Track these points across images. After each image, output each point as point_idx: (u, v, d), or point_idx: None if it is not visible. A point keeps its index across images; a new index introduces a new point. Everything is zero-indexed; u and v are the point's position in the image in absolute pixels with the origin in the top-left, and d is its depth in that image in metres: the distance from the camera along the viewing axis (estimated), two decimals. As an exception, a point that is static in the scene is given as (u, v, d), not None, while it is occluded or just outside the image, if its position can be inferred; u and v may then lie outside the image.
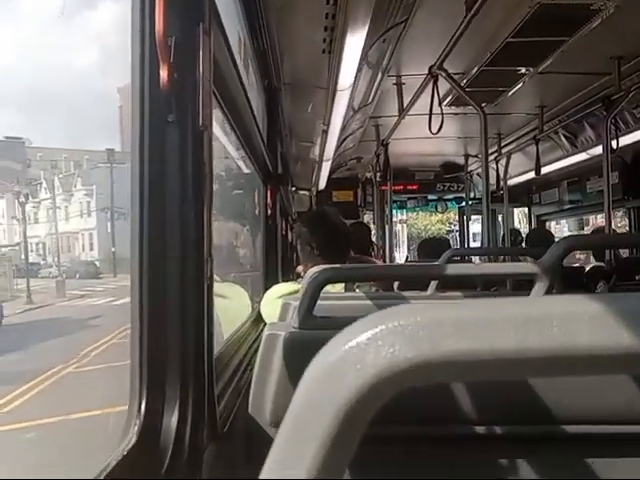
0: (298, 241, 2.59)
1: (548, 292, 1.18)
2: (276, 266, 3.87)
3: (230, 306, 2.86)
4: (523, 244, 6.28)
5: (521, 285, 2.19)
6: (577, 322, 0.29)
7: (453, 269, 1.30)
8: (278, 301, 2.19)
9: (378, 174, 6.40)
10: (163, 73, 0.87)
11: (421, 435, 0.97)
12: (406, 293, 1.78)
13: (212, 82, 1.21)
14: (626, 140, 4.27)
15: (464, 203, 7.83)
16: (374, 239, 6.54)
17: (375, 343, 0.30)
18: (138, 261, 0.97)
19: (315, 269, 2.25)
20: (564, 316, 0.29)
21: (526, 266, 1.25)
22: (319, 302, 1.24)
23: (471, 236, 9.26)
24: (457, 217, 9.17)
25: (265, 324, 2.54)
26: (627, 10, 2.87)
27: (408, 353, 0.29)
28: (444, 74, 3.24)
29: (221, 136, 2.78)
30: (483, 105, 4.47)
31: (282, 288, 2.47)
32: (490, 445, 0.99)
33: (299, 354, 1.30)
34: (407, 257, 17.44)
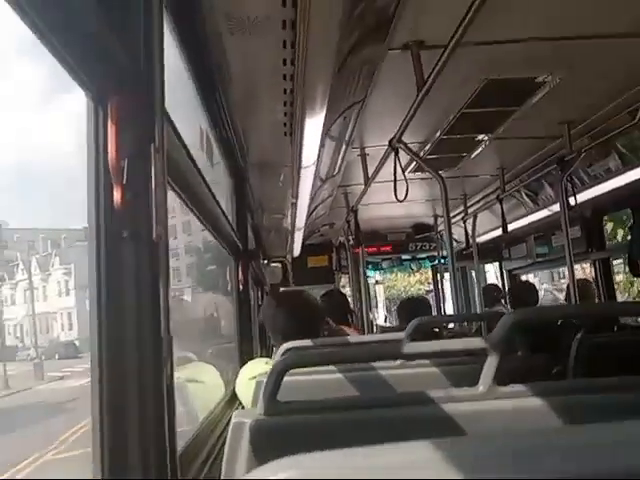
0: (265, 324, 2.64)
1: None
2: (251, 339, 3.89)
3: (203, 389, 2.87)
4: (504, 300, 6.34)
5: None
6: (420, 469, 0.35)
7: (411, 348, 1.36)
8: (252, 382, 2.21)
9: (350, 238, 6.51)
10: (117, 195, 0.93)
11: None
12: (375, 364, 1.86)
13: (171, 184, 1.27)
14: (584, 196, 4.44)
15: (437, 261, 7.95)
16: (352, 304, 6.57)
17: None
18: (98, 364, 1.00)
19: (285, 346, 2.28)
20: (409, 465, 0.36)
21: (476, 342, 1.31)
22: (288, 378, 1.28)
23: (448, 294, 9.31)
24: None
25: (240, 403, 2.55)
26: (571, 80, 3.05)
27: None
28: (403, 146, 3.37)
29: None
30: (445, 170, 4.63)
31: (255, 367, 2.49)
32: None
33: (265, 442, 1.32)
34: (386, 317, 17.33)
